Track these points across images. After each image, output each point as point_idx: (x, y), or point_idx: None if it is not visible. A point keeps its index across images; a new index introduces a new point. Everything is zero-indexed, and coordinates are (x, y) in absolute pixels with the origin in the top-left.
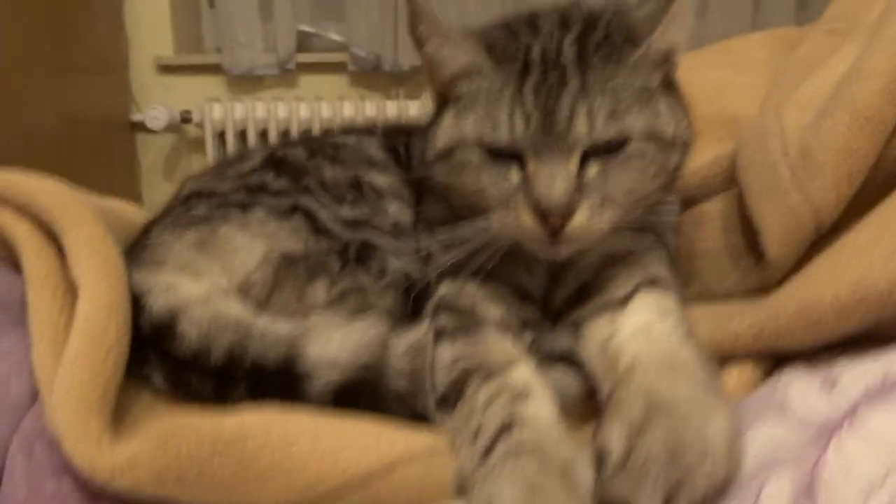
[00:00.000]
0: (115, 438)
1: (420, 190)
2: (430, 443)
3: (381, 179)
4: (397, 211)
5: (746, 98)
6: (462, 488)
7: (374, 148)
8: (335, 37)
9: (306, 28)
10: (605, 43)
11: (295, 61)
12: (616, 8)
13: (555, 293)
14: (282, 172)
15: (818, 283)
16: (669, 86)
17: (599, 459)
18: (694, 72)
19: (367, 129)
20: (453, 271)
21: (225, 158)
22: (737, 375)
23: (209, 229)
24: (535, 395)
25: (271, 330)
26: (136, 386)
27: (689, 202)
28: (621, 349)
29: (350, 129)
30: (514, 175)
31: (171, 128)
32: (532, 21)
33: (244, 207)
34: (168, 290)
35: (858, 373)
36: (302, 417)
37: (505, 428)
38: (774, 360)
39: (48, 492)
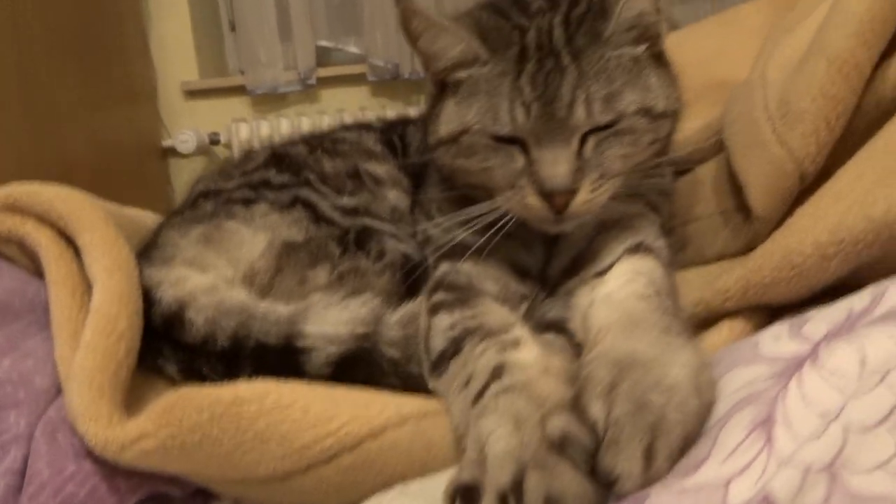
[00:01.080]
0: (125, 417)
1: (418, 176)
2: (421, 406)
3: (379, 169)
4: (396, 197)
5: (738, 63)
6: (459, 435)
7: (371, 141)
8: (353, 49)
9: (325, 43)
10: (586, 19)
11: (315, 76)
12: None
13: (551, 266)
14: (283, 168)
15: (800, 231)
16: (658, 57)
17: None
18: (690, 41)
19: (365, 125)
20: (451, 253)
21: (232, 159)
22: (727, 331)
23: (214, 225)
24: (526, 344)
25: (272, 311)
26: (153, 378)
27: (683, 169)
28: (592, 317)
29: (348, 126)
30: (519, 158)
31: (200, 150)
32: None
33: (247, 203)
34: (177, 283)
35: (825, 314)
36: (295, 386)
37: (496, 373)
38: (768, 315)
39: (68, 473)
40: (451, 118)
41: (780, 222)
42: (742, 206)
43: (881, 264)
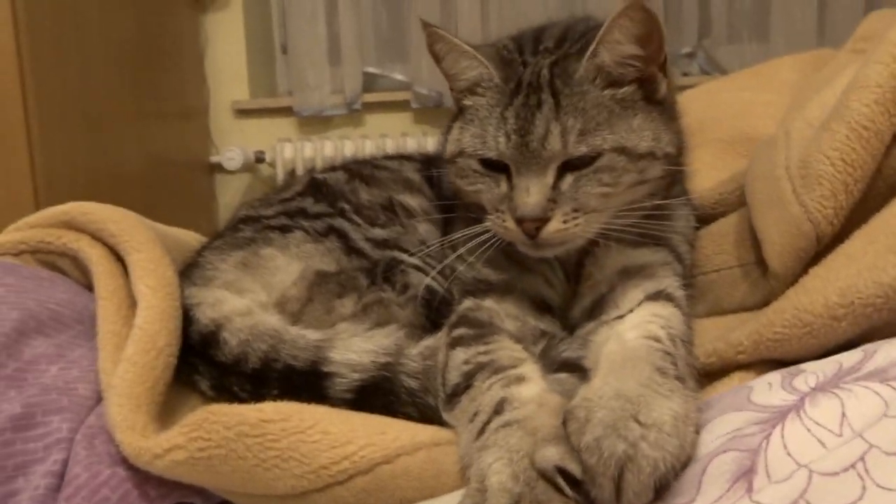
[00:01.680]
0: (159, 429)
1: (448, 214)
2: (434, 435)
3: (413, 201)
4: (426, 231)
5: (767, 117)
6: (464, 465)
7: (411, 171)
8: (399, 77)
9: (372, 70)
10: (567, 61)
11: (361, 101)
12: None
13: (573, 308)
14: (320, 197)
15: (812, 291)
16: (650, 100)
17: None
18: (723, 93)
19: (408, 155)
20: (474, 289)
21: (275, 186)
22: (738, 382)
23: (252, 251)
24: (530, 380)
25: (301, 336)
26: (187, 392)
27: (708, 219)
28: (601, 356)
29: (392, 156)
30: (503, 184)
31: (246, 167)
32: (537, 36)
33: (284, 230)
34: (215, 304)
35: (817, 367)
36: (316, 409)
37: (498, 408)
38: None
39: (103, 478)
40: (453, 140)
41: (795, 279)
42: (761, 261)
43: (889, 330)
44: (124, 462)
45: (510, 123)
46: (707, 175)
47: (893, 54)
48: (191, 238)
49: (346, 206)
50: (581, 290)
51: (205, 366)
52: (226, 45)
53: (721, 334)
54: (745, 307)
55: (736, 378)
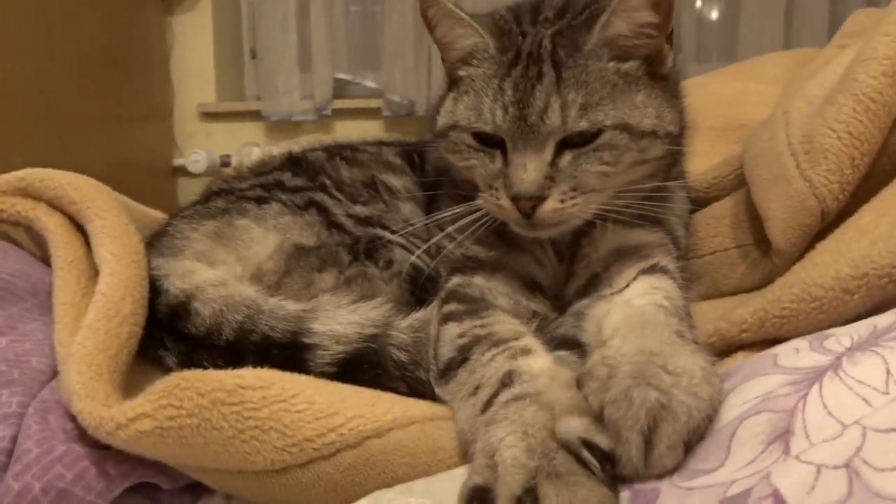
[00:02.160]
0: (122, 400)
1: (433, 193)
2: (427, 410)
3: (396, 181)
4: (409, 211)
5: (759, 105)
6: (465, 442)
7: (391, 155)
8: (371, 84)
9: (343, 76)
10: (573, 32)
11: (331, 107)
12: None
13: (568, 286)
14: (299, 171)
15: (821, 264)
16: (655, 76)
17: None
18: (713, 84)
19: (386, 141)
20: (463, 266)
21: (249, 166)
22: (742, 360)
23: (226, 221)
24: (537, 352)
25: (281, 307)
26: (152, 370)
27: (702, 202)
28: (606, 323)
29: (370, 141)
30: (498, 160)
31: (210, 171)
32: (536, 6)
33: (260, 202)
34: (185, 276)
35: (848, 329)
36: (300, 378)
37: (505, 380)
38: None
39: (57, 454)
40: (446, 112)
41: (799, 258)
42: (760, 242)
43: None
44: (82, 438)
45: (508, 95)
46: (700, 161)
47: None
48: (158, 216)
49: (327, 182)
50: (576, 269)
51: (172, 340)
52: (193, 48)
53: (722, 314)
54: (743, 288)
55: (739, 357)
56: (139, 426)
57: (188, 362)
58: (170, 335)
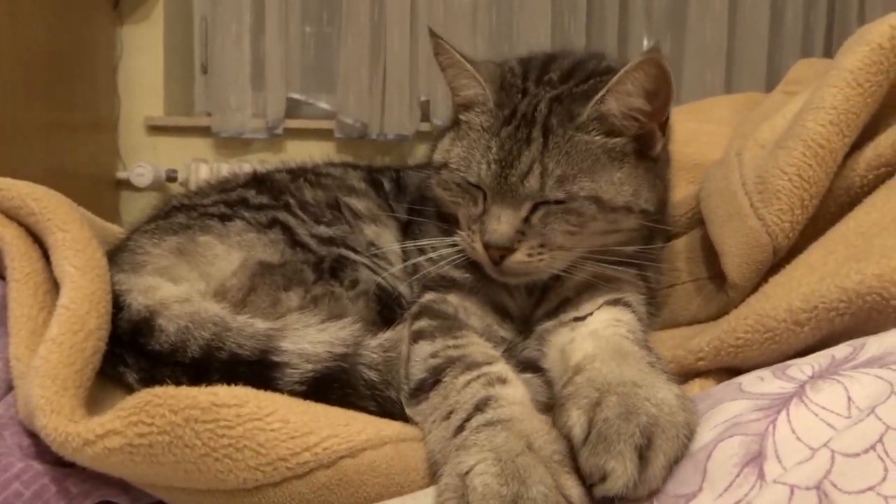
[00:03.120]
0: (88, 415)
1: (413, 217)
2: (400, 430)
3: (359, 204)
4: (373, 233)
5: (712, 144)
6: (434, 464)
7: (356, 179)
8: (324, 105)
9: (296, 96)
10: (570, 101)
11: (283, 127)
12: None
13: (538, 309)
14: (263, 190)
15: (774, 297)
16: (644, 156)
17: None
18: (673, 122)
19: (352, 164)
20: (437, 285)
21: (210, 182)
22: (698, 389)
23: (188, 237)
24: (512, 382)
25: (249, 325)
26: (110, 386)
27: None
28: (574, 349)
29: (334, 163)
30: (480, 205)
31: (156, 185)
32: (546, 64)
33: (223, 219)
34: (147, 291)
35: (807, 360)
36: (274, 396)
37: (480, 405)
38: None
39: (14, 471)
40: (443, 150)
41: (752, 291)
42: (714, 276)
43: (848, 336)
44: (40, 455)
45: (494, 152)
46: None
47: (847, 79)
48: (116, 230)
49: (291, 201)
50: (547, 297)
51: (133, 356)
52: (143, 59)
53: (679, 343)
54: (698, 319)
55: (696, 385)
56: (108, 443)
57: (149, 379)
58: (131, 352)
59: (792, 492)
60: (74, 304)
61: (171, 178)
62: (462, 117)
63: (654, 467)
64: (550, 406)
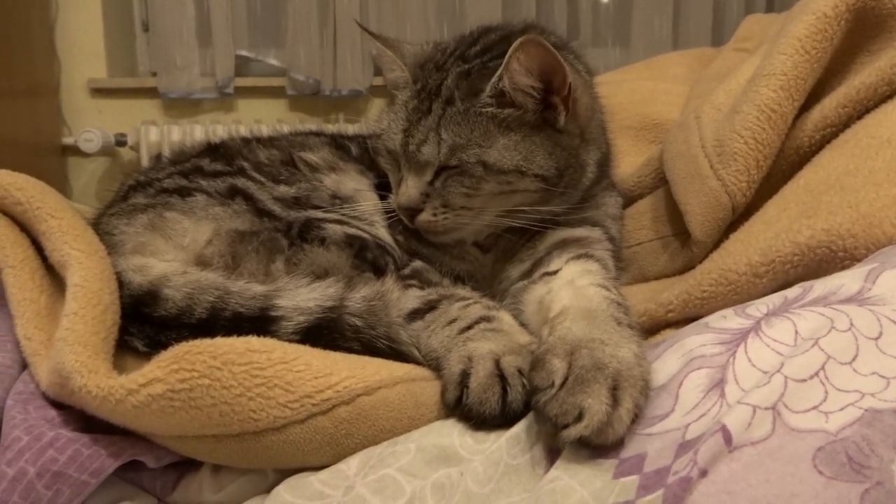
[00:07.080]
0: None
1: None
2: (411, 371)
3: (314, 157)
4: (333, 182)
5: (669, 104)
6: (436, 359)
7: (313, 140)
8: (274, 62)
9: (245, 53)
10: (476, 75)
11: (234, 85)
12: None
13: (512, 270)
14: (217, 156)
15: (734, 253)
16: (550, 124)
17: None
18: (626, 84)
19: (315, 132)
20: (414, 253)
21: (163, 155)
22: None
23: (156, 213)
24: (503, 312)
25: (247, 288)
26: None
27: (629, 200)
28: (553, 300)
29: (299, 132)
30: (401, 171)
31: (105, 151)
32: (476, 40)
33: (183, 193)
34: (141, 270)
35: (764, 300)
36: (297, 346)
37: (483, 319)
38: None
39: (47, 440)
40: (376, 122)
41: (714, 246)
42: (678, 233)
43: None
44: (66, 425)
45: (401, 124)
46: (626, 161)
47: (796, 47)
48: (84, 209)
49: (245, 164)
50: (521, 255)
51: (137, 325)
52: (79, 18)
53: (649, 297)
54: (665, 274)
55: (667, 334)
56: (150, 390)
57: (156, 342)
58: (134, 321)
59: (754, 412)
60: (87, 282)
61: (121, 142)
62: (396, 94)
63: (623, 409)
64: None
